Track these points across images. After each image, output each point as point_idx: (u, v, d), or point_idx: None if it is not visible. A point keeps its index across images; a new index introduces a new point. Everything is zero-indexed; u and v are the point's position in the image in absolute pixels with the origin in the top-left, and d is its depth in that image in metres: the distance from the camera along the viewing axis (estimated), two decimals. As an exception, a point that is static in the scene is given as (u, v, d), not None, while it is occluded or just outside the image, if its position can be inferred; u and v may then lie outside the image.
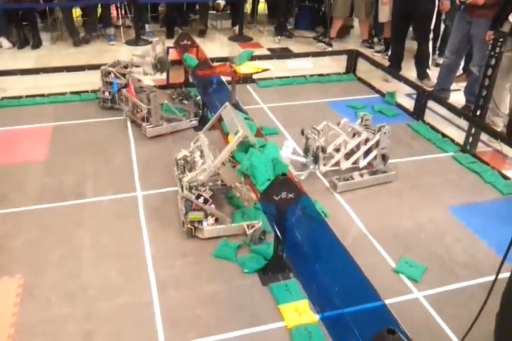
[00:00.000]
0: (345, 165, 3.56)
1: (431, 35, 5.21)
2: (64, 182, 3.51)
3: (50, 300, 2.49)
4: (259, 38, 7.19)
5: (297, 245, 2.44)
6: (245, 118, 3.17)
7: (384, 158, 3.60)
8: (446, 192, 3.47)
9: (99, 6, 6.86)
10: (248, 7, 8.14)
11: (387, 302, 2.01)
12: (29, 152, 3.93)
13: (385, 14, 5.97)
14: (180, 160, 3.01)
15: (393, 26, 5.57)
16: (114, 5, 7.17)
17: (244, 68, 4.02)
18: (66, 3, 6.53)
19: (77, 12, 7.41)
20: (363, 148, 3.56)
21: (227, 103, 3.14)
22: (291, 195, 2.39)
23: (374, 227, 3.07)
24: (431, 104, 4.56)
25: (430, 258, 2.82)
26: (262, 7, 8.15)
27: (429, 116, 4.58)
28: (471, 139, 3.93)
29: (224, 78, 4.32)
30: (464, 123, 4.22)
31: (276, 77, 5.44)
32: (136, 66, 4.74)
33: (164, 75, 4.94)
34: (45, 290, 2.55)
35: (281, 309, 2.45)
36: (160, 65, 4.62)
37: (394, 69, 5.38)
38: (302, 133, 3.64)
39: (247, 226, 2.89)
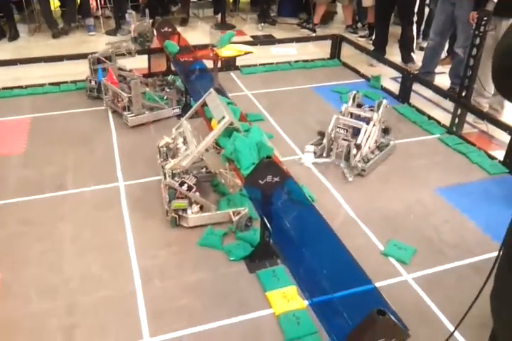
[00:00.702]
0: (370, 152, 3.49)
1: (414, 18, 5.15)
2: (44, 174, 3.41)
3: (30, 296, 2.40)
4: (242, 26, 7.08)
5: (284, 230, 2.38)
6: (228, 103, 3.09)
7: (386, 131, 3.66)
8: (433, 173, 3.44)
9: (78, -5, 6.69)
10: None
11: (376, 285, 1.97)
12: (7, 145, 3.82)
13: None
14: (162, 147, 2.93)
15: (377, 10, 5.51)
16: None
17: (226, 51, 3.93)
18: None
19: (55, 3, 7.23)
20: (374, 129, 3.47)
21: (211, 89, 3.06)
22: (276, 179, 2.32)
23: (362, 211, 3.03)
24: (416, 87, 4.51)
25: (419, 239, 2.78)
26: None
27: (414, 99, 4.54)
28: (457, 120, 3.89)
29: (206, 65, 4.22)
30: (450, 105, 4.18)
31: (260, 64, 5.35)
32: (117, 55, 4.61)
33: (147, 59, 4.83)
34: (25, 285, 2.47)
35: (269, 296, 2.39)
36: (142, 37, 4.49)
37: (378, 53, 5.32)
38: (321, 134, 3.58)
39: (233, 213, 2.83)
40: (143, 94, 4.04)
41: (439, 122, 4.09)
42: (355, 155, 3.34)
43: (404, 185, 3.31)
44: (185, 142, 2.95)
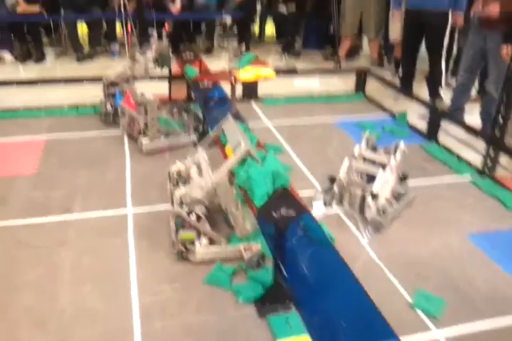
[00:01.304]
0: (387, 202, 3.10)
1: (444, 53, 5.00)
2: (51, 197, 3.27)
3: (19, 326, 2.21)
4: (265, 56, 7.03)
5: (298, 271, 2.15)
6: (245, 130, 2.94)
7: (404, 178, 3.31)
8: (464, 218, 3.18)
9: (105, 21, 6.77)
10: (255, 28, 8.05)
11: (402, 341, 1.72)
12: (19, 165, 3.71)
13: (395, 32, 5.78)
14: (173, 173, 2.76)
15: (404, 44, 5.38)
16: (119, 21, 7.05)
17: (245, 74, 3.79)
18: (71, 17, 6.43)
19: (83, 29, 7.32)
20: (389, 176, 3.12)
21: (228, 115, 2.92)
22: (291, 212, 2.13)
23: (384, 254, 2.78)
24: (445, 125, 4.32)
25: (448, 290, 2.51)
26: (270, 29, 8.05)
27: (443, 138, 4.33)
28: (489, 162, 3.66)
29: (226, 93, 4.11)
30: (481, 145, 3.96)
31: (282, 95, 5.24)
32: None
33: (166, 72, 4.76)
34: (14, 314, 2.27)
35: (280, 345, 2.15)
36: (161, 59, 4.41)
37: (405, 88, 5.16)
38: (332, 180, 3.21)
39: (244, 249, 2.61)
40: (159, 118, 3.92)
41: (469, 163, 3.86)
42: (370, 207, 2.97)
43: (431, 228, 3.07)
44: (199, 171, 2.78)
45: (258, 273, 2.55)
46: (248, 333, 2.23)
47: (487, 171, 3.67)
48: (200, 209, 2.54)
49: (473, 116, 4.67)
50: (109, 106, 4.39)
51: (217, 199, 2.81)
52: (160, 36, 4.88)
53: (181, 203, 2.59)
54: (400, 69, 5.67)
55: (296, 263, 2.15)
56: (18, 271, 2.57)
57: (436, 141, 4.24)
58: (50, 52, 6.75)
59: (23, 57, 6.42)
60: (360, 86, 5.38)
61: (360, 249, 2.84)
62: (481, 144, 4.00)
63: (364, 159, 3.28)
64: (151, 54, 4.49)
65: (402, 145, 3.28)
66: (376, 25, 6.20)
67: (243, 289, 2.45)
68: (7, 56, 6.39)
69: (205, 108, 3.85)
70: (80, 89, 4.88)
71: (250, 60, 3.91)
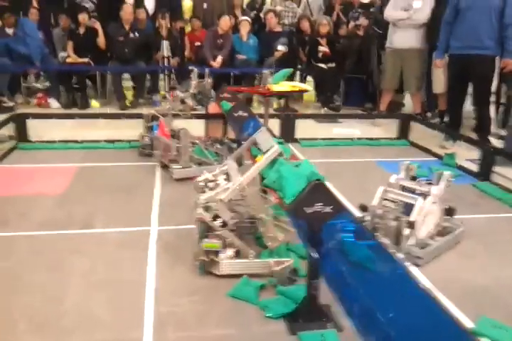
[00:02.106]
0: (428, 237, 2.74)
1: (492, 99, 4.81)
2: (73, 214, 3.10)
3: (17, 325, 1.95)
4: (304, 111, 7.04)
5: (342, 277, 1.83)
6: (279, 143, 2.75)
7: (450, 212, 2.90)
8: (526, 250, 2.80)
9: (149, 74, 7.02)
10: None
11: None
12: (48, 186, 3.61)
13: (440, 84, 5.69)
14: (200, 182, 2.55)
15: (449, 93, 5.24)
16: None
17: (279, 87, 3.68)
18: (117, 68, 6.70)
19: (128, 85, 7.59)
20: (433, 207, 2.72)
21: (262, 127, 2.76)
22: (328, 209, 1.86)
23: (440, 282, 2.40)
24: (498, 165, 4.00)
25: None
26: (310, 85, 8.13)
27: (496, 178, 3.99)
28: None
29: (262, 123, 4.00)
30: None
31: (321, 138, 5.11)
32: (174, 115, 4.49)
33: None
34: (16, 313, 2.04)
35: (314, 365, 1.78)
36: (201, 95, 4.38)
37: (453, 131, 4.92)
38: (364, 209, 2.89)
39: (275, 264, 2.31)
40: (193, 146, 3.82)
41: (529, 201, 3.50)
42: (407, 238, 2.61)
43: (490, 260, 2.68)
44: (227, 179, 2.56)
45: (289, 288, 2.22)
46: (276, 351, 1.87)
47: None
48: (226, 215, 2.29)
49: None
50: (146, 139, 4.34)
51: (246, 214, 2.58)
52: (202, 75, 4.98)
53: (206, 209, 2.35)
54: (446, 121, 5.49)
55: (338, 269, 1.85)
56: (27, 274, 2.36)
57: (489, 180, 3.91)
58: (93, 103, 6.95)
59: (68, 105, 6.63)
60: (404, 132, 5.17)
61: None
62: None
63: (403, 188, 2.86)
64: (191, 90, 4.53)
65: (447, 173, 2.83)
66: (417, 80, 6.12)
67: (272, 304, 2.11)
68: (54, 103, 6.62)
69: (241, 135, 3.71)
70: (119, 130, 4.90)
71: (286, 75, 3.83)
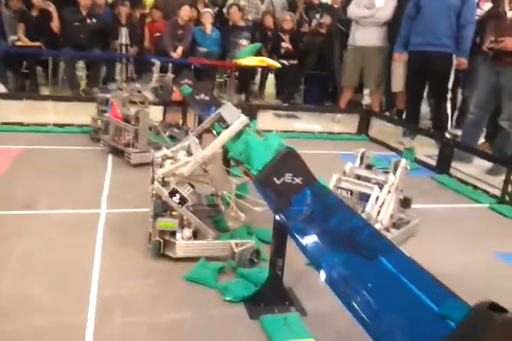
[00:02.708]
0: (383, 228, 2.53)
1: (449, 95, 4.85)
2: (13, 195, 2.83)
3: None
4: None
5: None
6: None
7: (406, 202, 2.77)
8: (489, 239, 2.76)
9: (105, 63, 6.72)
10: (256, 80, 8.07)
11: None
12: (-16, 168, 3.30)
13: (398, 83, 5.71)
14: (158, 158, 2.36)
15: (407, 88, 5.26)
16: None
17: (246, 61, 3.52)
18: (70, 54, 6.37)
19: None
20: (388, 197, 2.53)
21: (227, 102, 2.61)
22: (297, 180, 1.73)
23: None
24: (455, 164, 4.01)
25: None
26: (271, 85, 8.06)
27: (454, 173, 4.00)
28: (510, 189, 3.30)
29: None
30: (498, 182, 3.60)
31: (281, 131, 4.99)
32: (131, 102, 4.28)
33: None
34: None
35: (276, 349, 1.63)
36: (162, 90, 4.16)
37: (411, 126, 4.93)
38: None
39: (236, 245, 2.15)
40: (150, 129, 3.61)
41: (487, 192, 3.50)
42: None
43: (455, 247, 2.63)
44: (188, 155, 2.38)
45: (250, 271, 2.07)
46: (237, 336, 1.70)
47: (508, 199, 3.29)
48: (186, 191, 2.11)
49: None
50: (99, 122, 4.07)
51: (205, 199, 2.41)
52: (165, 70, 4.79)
53: (164, 185, 2.17)
54: (404, 118, 5.51)
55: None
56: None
57: (448, 174, 3.90)
58: (44, 90, 6.57)
59: (16, 90, 6.23)
60: (364, 127, 5.14)
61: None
62: (495, 179, 3.69)
63: (358, 178, 2.71)
64: (152, 84, 4.32)
65: (403, 161, 2.66)
66: (377, 77, 6.12)
67: (232, 287, 1.95)
68: (1, 88, 6.20)
69: (203, 116, 3.54)
70: (71, 115, 4.60)
71: (254, 49, 3.68)
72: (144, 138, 3.52)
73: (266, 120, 5.26)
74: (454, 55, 4.78)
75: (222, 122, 2.57)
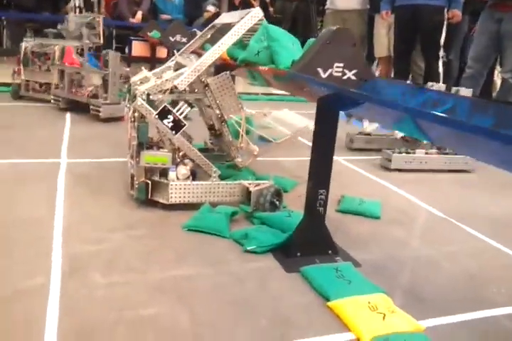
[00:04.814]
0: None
1: (441, 52, 4.46)
2: None
3: None
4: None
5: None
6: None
7: None
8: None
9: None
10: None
11: None
12: None
13: (382, 48, 5.29)
14: (135, 83, 1.78)
15: (396, 48, 4.85)
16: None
17: None
18: (15, 15, 5.63)
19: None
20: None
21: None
22: (349, 74, 1.23)
23: (452, 212, 1.85)
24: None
25: None
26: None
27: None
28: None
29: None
30: None
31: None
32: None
33: None
34: None
35: (336, 307, 1.11)
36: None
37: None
38: None
39: (250, 185, 1.61)
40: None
41: None
42: None
43: (497, 193, 2.20)
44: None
45: (274, 215, 1.54)
46: (272, 293, 1.18)
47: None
48: (182, 110, 1.55)
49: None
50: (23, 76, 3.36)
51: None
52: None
53: (149, 103, 1.59)
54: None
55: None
56: None
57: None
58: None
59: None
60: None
61: (414, 206, 1.91)
62: None
63: None
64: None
65: None
66: (358, 41, 5.73)
67: (254, 234, 1.41)
68: None
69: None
70: None
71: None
72: (116, 87, 2.89)
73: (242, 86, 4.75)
74: (445, 9, 4.41)
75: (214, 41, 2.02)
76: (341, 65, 1.24)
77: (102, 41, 3.17)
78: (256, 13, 1.54)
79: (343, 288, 1.18)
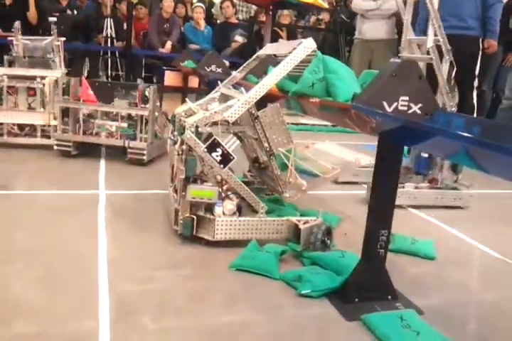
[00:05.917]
0: None
1: (475, 83, 4.40)
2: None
3: None
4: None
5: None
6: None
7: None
8: None
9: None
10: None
11: None
12: None
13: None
14: (178, 115, 1.74)
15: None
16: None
17: None
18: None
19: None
20: None
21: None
22: (415, 107, 1.18)
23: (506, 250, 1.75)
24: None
25: None
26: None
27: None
28: None
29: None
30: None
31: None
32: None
33: None
34: None
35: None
36: None
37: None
38: None
39: (299, 222, 1.54)
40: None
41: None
42: None
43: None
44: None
45: (327, 255, 1.46)
46: (333, 344, 1.10)
47: None
48: (230, 144, 1.50)
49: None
50: None
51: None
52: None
53: (197, 133, 1.54)
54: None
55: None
56: None
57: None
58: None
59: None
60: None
61: (464, 243, 1.81)
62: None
63: None
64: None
65: None
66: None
67: (308, 276, 1.33)
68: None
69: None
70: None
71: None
72: (153, 126, 2.60)
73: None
74: (480, 39, 4.38)
75: (259, 74, 2.00)
76: (407, 98, 1.18)
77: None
78: (309, 44, 1.51)
79: (409, 339, 1.09)
